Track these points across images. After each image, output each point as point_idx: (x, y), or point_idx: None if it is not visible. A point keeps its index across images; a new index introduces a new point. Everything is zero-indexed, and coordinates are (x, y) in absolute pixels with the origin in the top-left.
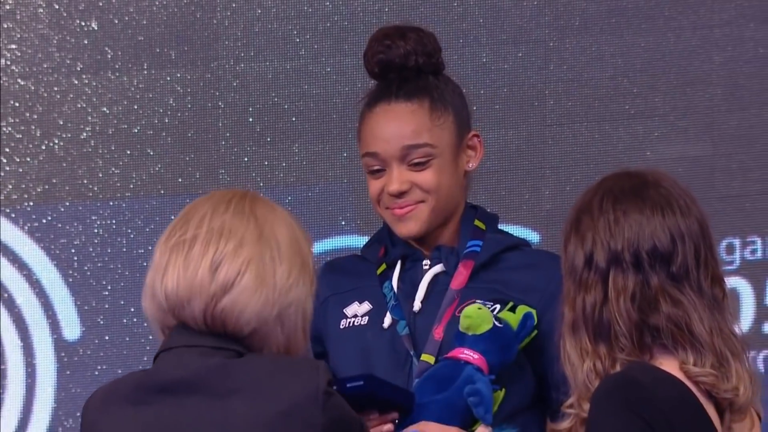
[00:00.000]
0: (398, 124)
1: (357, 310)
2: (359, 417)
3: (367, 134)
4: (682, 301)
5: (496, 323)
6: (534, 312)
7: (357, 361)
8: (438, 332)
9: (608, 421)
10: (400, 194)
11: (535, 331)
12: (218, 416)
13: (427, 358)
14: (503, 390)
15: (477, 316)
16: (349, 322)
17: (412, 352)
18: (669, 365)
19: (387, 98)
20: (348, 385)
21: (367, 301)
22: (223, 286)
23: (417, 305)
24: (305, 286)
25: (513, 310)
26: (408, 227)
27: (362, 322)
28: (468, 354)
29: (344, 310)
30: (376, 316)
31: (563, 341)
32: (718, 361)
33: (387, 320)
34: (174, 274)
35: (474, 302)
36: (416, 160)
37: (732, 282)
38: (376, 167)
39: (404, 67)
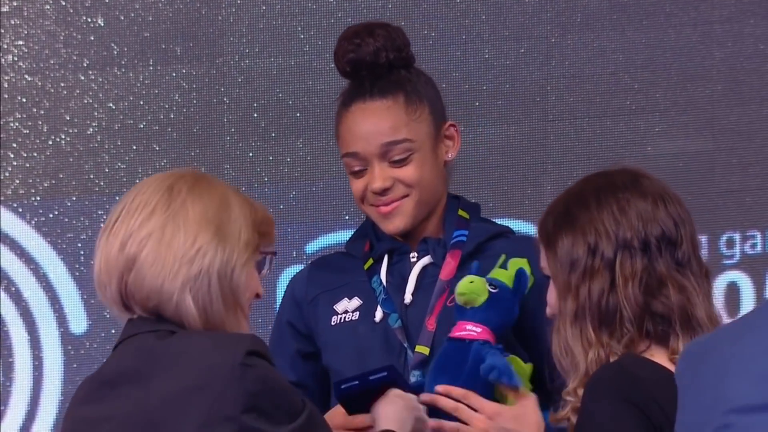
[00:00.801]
0: (375, 122)
1: (347, 306)
2: (297, 391)
3: (345, 134)
4: (686, 287)
5: (491, 290)
6: (526, 263)
7: (351, 356)
8: (431, 323)
9: (602, 408)
10: (384, 191)
11: (532, 281)
12: (142, 401)
13: (422, 349)
14: (529, 364)
15: (471, 291)
16: (340, 318)
17: (405, 344)
18: (660, 356)
19: (362, 97)
20: (371, 378)
21: (356, 297)
22: (126, 262)
23: (408, 297)
24: (221, 253)
25: (505, 265)
26: (395, 224)
27: (353, 318)
28: (470, 330)
29: (334, 307)
30: (366, 310)
31: (560, 332)
32: None
33: (378, 314)
34: (98, 257)
35: (464, 276)
36: (397, 157)
37: (732, 276)
38: (357, 167)
39: (375, 64)
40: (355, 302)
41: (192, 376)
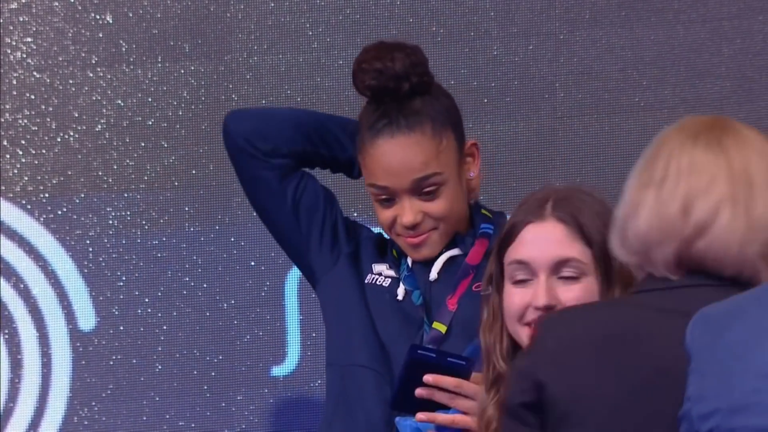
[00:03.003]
0: (405, 158)
1: (383, 271)
2: None
3: (374, 167)
4: None
5: None
6: None
7: (367, 320)
8: (452, 303)
9: None
10: (414, 226)
11: None
12: None
13: (439, 326)
14: None
15: None
16: (374, 279)
17: (425, 319)
18: None
19: (389, 130)
20: (449, 359)
21: (393, 269)
22: (696, 227)
23: (434, 275)
24: None
25: None
26: (423, 254)
27: (384, 283)
28: None
29: (373, 265)
30: (395, 284)
31: None
32: None
33: (401, 291)
34: (646, 214)
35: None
36: (426, 190)
37: None
38: (384, 197)
39: (398, 92)
40: (392, 272)
41: None
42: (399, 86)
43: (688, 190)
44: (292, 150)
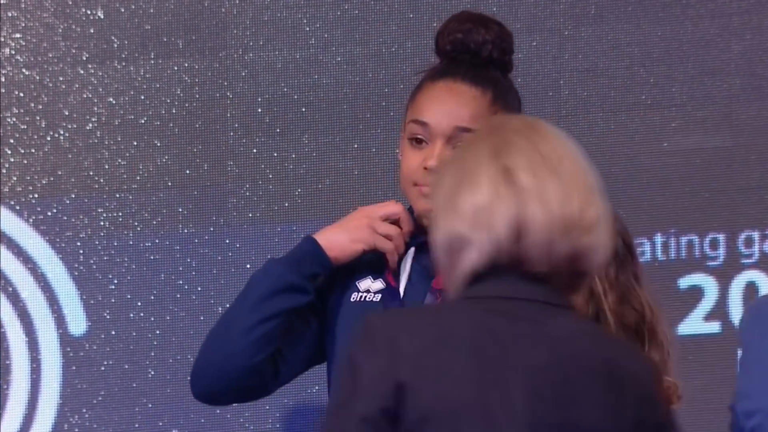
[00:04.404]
0: (458, 104)
1: (370, 286)
2: None
3: (423, 103)
4: (649, 300)
5: None
6: None
7: None
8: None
9: None
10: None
11: None
12: None
13: None
14: None
15: None
16: (362, 296)
17: None
18: None
19: (453, 76)
20: None
21: (380, 280)
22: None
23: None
24: None
25: None
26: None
27: (374, 299)
28: None
29: (357, 283)
30: (388, 296)
31: None
32: (665, 365)
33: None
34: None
35: None
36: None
37: (751, 276)
38: (419, 136)
39: (478, 54)
40: (379, 284)
41: None
42: (481, 49)
43: None
44: (259, 368)
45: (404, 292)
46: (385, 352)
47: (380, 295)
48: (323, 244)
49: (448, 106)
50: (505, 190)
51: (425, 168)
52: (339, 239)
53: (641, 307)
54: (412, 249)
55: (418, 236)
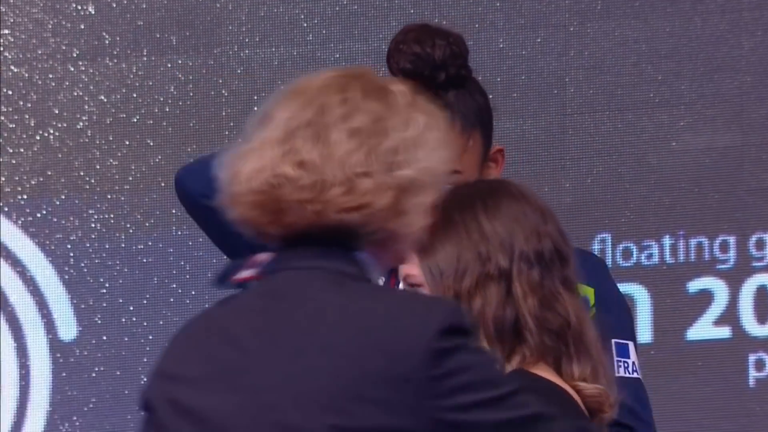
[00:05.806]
0: None
1: None
2: None
3: None
4: (577, 306)
5: None
6: (591, 293)
7: None
8: None
9: None
10: None
11: (592, 313)
12: None
13: None
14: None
15: None
16: None
17: None
18: (550, 373)
19: None
20: None
21: None
22: None
23: None
24: None
25: None
26: None
27: None
28: None
29: None
30: None
31: None
32: (595, 373)
33: None
34: None
35: None
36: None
37: (762, 279)
38: None
39: (433, 80)
40: None
41: None
42: (435, 75)
43: None
44: None
45: None
46: None
47: None
48: None
49: None
50: None
51: None
52: None
53: (566, 313)
54: None
55: None
